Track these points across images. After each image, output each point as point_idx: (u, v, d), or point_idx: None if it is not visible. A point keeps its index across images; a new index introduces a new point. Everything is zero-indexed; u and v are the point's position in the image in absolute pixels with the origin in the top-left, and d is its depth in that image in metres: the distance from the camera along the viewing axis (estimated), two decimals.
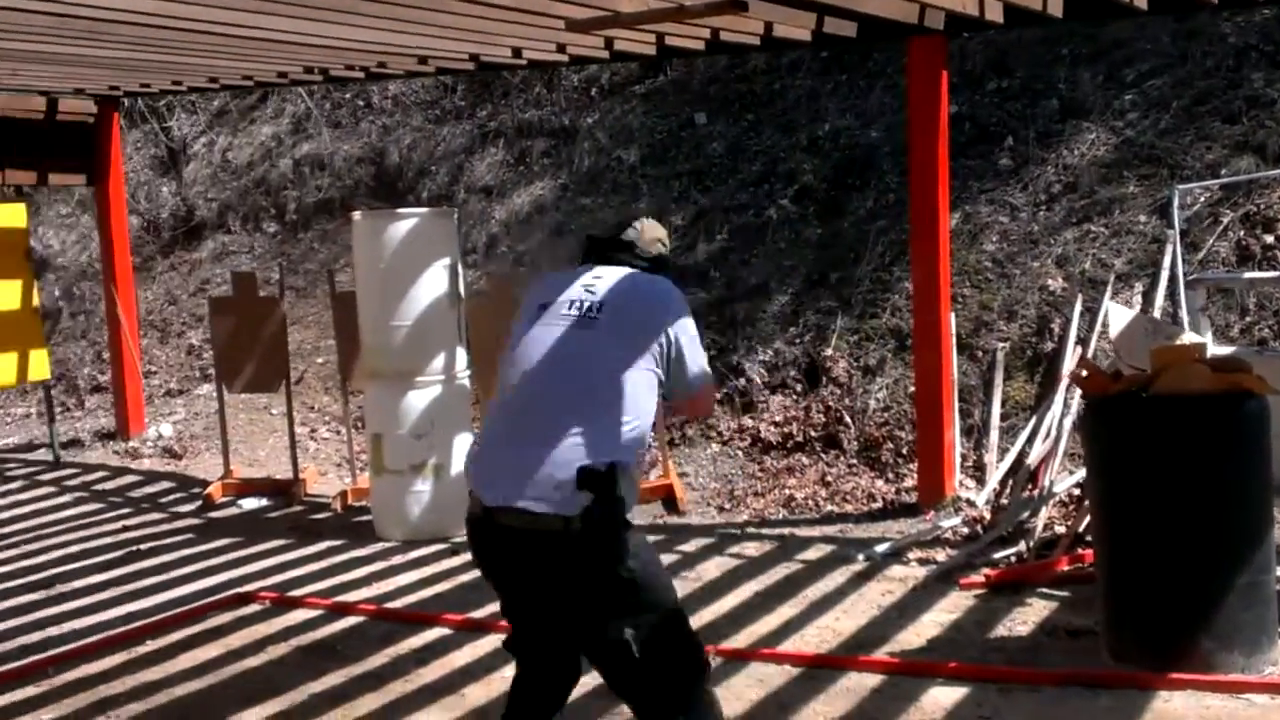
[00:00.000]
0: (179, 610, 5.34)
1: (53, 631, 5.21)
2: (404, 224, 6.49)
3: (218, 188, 11.68)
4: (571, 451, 2.77)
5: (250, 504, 7.34)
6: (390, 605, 5.35)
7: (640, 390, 2.89)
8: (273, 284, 9.69)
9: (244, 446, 8.33)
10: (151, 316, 10.52)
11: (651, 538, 6.12)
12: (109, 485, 7.89)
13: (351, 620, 5.18)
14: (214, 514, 7.15)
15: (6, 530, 6.97)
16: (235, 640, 4.97)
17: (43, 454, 8.72)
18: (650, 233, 3.19)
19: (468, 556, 5.98)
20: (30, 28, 5.25)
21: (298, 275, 10.27)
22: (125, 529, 6.87)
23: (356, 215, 6.86)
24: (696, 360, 3.01)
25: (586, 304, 2.95)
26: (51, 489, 7.86)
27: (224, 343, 7.68)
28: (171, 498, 7.55)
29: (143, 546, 6.48)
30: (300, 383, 8.93)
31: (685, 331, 2.99)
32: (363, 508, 6.98)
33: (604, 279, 3.02)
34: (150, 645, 4.92)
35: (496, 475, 2.85)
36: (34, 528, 7.00)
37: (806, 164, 8.65)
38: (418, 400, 6.40)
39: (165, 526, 6.90)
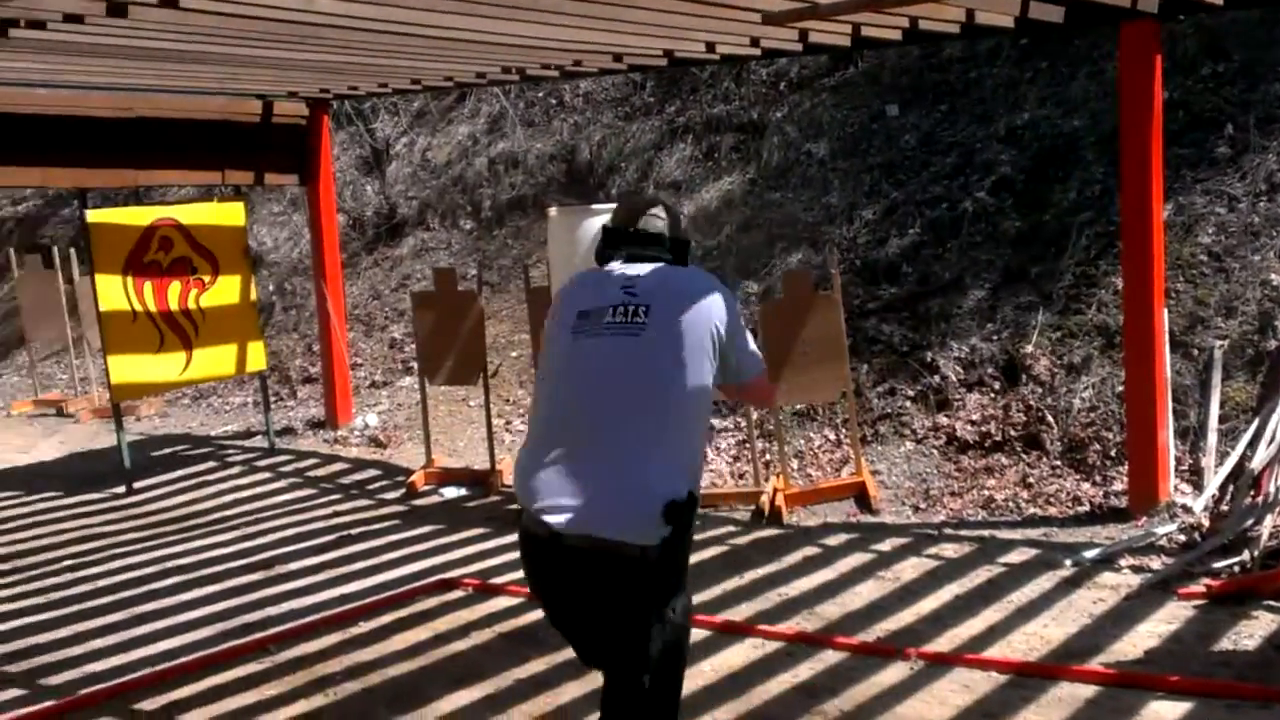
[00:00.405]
0: (388, 594, 5.55)
1: (272, 610, 5.48)
2: (598, 219, 6.57)
3: (418, 186, 12.10)
4: (652, 480, 2.70)
5: (451, 493, 7.57)
6: None
7: (700, 395, 2.83)
8: (470, 279, 9.99)
9: (444, 437, 8.60)
10: (357, 310, 10.98)
11: (844, 536, 6.10)
12: (320, 472, 8.27)
13: None
14: (417, 501, 7.41)
15: (229, 513, 7.37)
16: (441, 625, 5.14)
17: (259, 441, 9.19)
18: (673, 219, 3.06)
19: None
20: (249, 33, 5.52)
21: (492, 271, 10.54)
22: (336, 514, 7.18)
23: (552, 211, 6.99)
24: (748, 348, 2.94)
25: (631, 309, 2.81)
26: (268, 474, 8.28)
27: (425, 336, 7.95)
28: (377, 485, 7.85)
29: (353, 531, 6.76)
30: (496, 376, 9.16)
31: (735, 320, 2.91)
32: None
33: (641, 279, 2.89)
34: (363, 626, 5.13)
35: (566, 499, 2.72)
36: (253, 511, 7.39)
37: (1004, 155, 8.39)
38: None
39: (372, 513, 7.19)
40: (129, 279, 7.96)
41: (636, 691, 2.81)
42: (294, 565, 6.16)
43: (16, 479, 8.41)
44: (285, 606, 5.52)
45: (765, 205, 9.46)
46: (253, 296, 8.90)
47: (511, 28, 5.70)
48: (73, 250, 11.40)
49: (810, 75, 10.28)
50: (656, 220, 3.02)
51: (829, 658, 4.52)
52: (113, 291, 7.86)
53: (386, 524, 6.91)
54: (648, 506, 2.67)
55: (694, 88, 10.98)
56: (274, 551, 6.47)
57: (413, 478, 7.70)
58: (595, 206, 7.17)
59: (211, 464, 8.67)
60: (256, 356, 8.90)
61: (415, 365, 9.25)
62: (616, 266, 2.97)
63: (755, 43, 6.58)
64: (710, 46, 6.73)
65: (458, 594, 5.56)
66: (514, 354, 9.64)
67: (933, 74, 9.46)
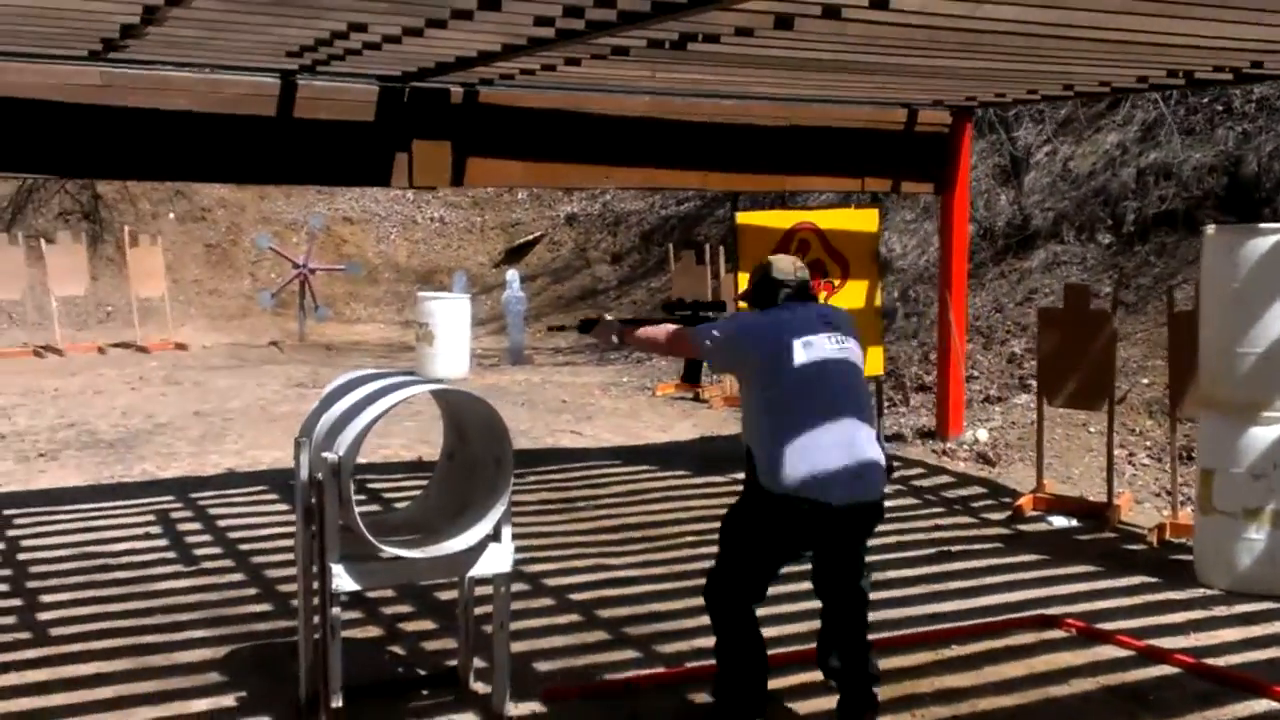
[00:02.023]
0: (983, 621, 5.35)
1: (871, 616, 5.47)
2: (1265, 240, 5.84)
3: (1055, 197, 11.59)
4: (879, 455, 3.97)
5: (1059, 522, 7.16)
6: (1211, 661, 4.84)
7: None
8: (1102, 297, 9.37)
9: (1057, 462, 8.16)
10: (978, 322, 10.76)
11: None
12: (924, 482, 8.20)
13: (1164, 669, 4.80)
14: (1022, 526, 7.09)
15: None
16: (1039, 664, 4.86)
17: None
18: None
19: None
20: (904, 42, 5.54)
21: (1129, 290, 9.82)
22: (937, 528, 7.08)
23: (1209, 229, 6.32)
24: None
25: (839, 338, 4.01)
26: None
27: (1049, 354, 7.58)
28: (981, 503, 7.63)
29: (952, 549, 6.62)
30: (1122, 402, 8.51)
31: None
32: (1181, 545, 6.46)
33: (828, 315, 4.12)
34: (955, 650, 4.98)
35: (842, 478, 3.84)
36: None
37: None
38: (1262, 436, 5.75)
39: (974, 531, 6.99)
40: None
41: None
42: (890, 574, 6.13)
43: (655, 455, 9.26)
44: (878, 615, 5.47)
45: None
46: (877, 302, 9.01)
47: (1186, 26, 5.21)
48: (721, 248, 12.35)
49: None
50: (805, 273, 4.22)
51: None
52: None
53: (987, 545, 6.68)
54: (882, 472, 3.99)
55: None
56: (873, 557, 6.45)
57: (1020, 500, 7.39)
58: (1263, 226, 6.36)
59: None
60: (874, 361, 8.98)
61: (1033, 383, 8.86)
62: (799, 306, 4.09)
63: None
64: None
65: (1058, 634, 5.23)
66: (1145, 380, 8.91)
67: None
